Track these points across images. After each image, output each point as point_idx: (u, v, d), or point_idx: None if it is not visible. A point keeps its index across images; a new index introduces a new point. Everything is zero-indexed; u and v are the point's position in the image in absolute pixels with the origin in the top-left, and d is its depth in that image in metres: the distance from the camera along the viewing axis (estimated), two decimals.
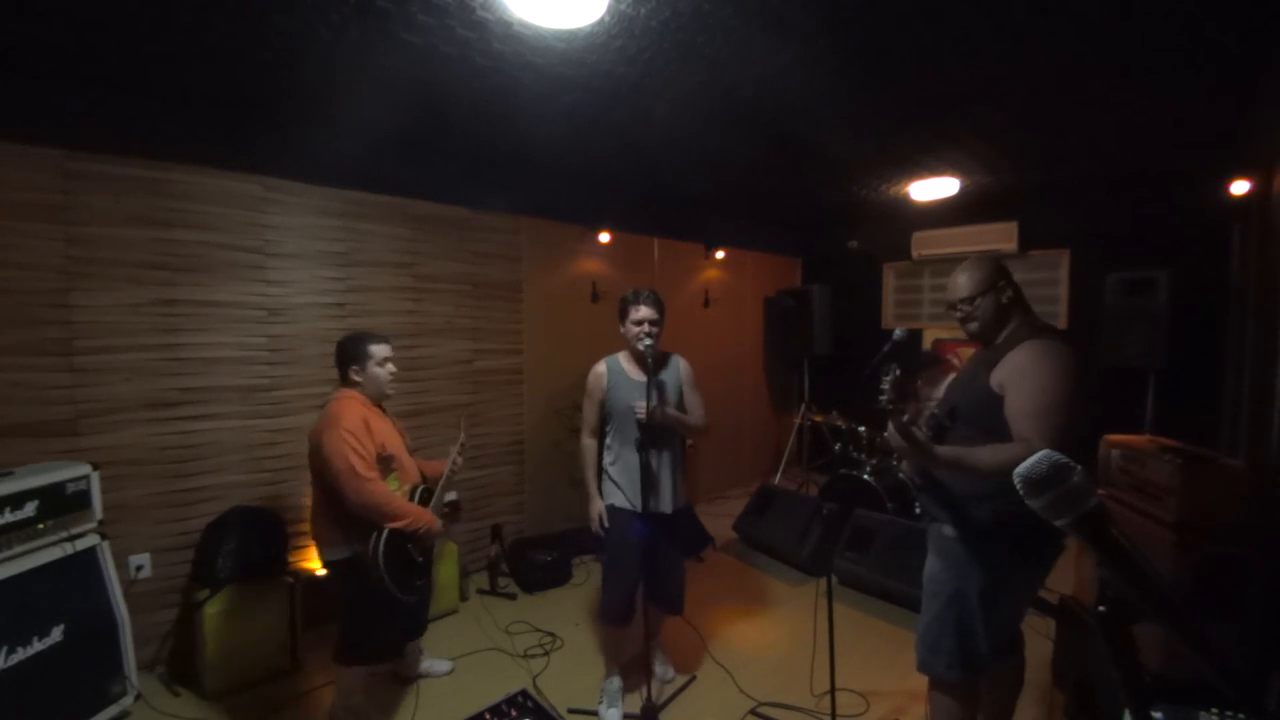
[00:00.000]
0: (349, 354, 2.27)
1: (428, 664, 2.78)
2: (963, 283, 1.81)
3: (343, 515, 2.13)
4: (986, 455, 1.56)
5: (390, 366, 2.33)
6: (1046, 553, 1.73)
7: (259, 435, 3.07)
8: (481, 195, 3.87)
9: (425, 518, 2.22)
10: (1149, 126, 3.06)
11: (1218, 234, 3.80)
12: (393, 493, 2.19)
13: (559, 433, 4.32)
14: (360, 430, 2.13)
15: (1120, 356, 3.66)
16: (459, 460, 2.50)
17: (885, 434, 1.71)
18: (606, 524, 2.44)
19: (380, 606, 2.22)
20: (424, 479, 2.45)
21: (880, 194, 4.55)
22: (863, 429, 4.52)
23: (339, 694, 2.35)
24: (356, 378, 2.27)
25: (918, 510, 1.90)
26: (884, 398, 1.93)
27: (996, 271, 1.80)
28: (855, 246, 5.82)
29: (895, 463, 4.22)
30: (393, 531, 2.11)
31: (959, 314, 1.85)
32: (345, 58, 2.28)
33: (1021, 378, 1.62)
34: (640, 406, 2.29)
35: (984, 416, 1.68)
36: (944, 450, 1.60)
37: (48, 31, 2.08)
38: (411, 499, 2.29)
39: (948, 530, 1.78)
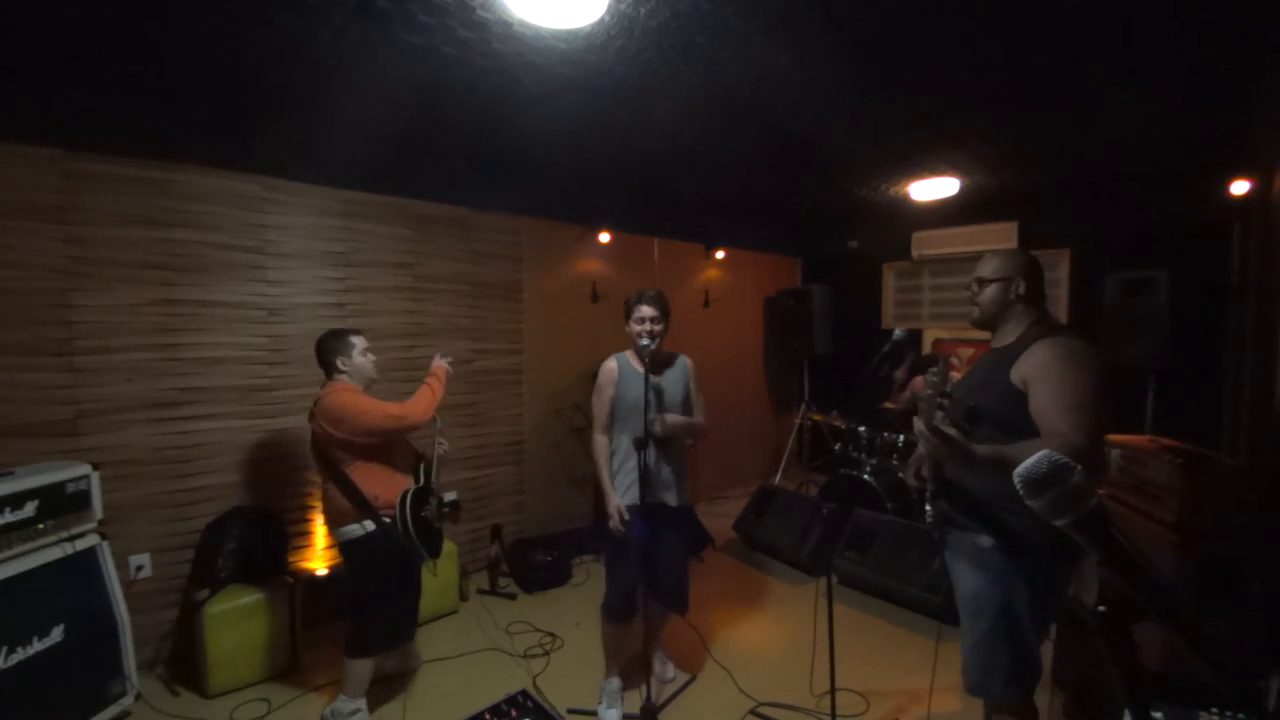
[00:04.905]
0: (333, 347, 2.40)
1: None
2: (983, 265, 1.86)
3: (354, 492, 2.27)
4: (1026, 452, 1.48)
5: (371, 356, 2.45)
6: (1080, 550, 1.71)
7: (259, 435, 3.06)
8: (481, 195, 3.87)
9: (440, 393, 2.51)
10: (1149, 126, 3.06)
11: (1218, 234, 3.79)
12: (420, 395, 2.43)
13: (559, 433, 4.32)
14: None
15: (1120, 356, 3.65)
16: (444, 442, 2.67)
17: (916, 432, 1.69)
18: (627, 518, 2.39)
19: (397, 584, 2.39)
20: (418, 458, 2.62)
21: (880, 194, 4.55)
22: (863, 429, 4.52)
23: (349, 687, 2.34)
24: (344, 367, 2.39)
25: (929, 518, 1.81)
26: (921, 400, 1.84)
27: (1016, 266, 1.80)
28: (855, 246, 5.82)
29: (899, 468, 4.21)
30: (413, 496, 2.33)
31: (969, 292, 1.89)
32: (345, 58, 2.28)
33: (1047, 374, 1.60)
34: (652, 420, 2.33)
35: (1008, 416, 1.65)
36: (982, 449, 1.55)
37: (48, 32, 2.08)
38: (416, 472, 2.50)
39: (984, 540, 1.70)
